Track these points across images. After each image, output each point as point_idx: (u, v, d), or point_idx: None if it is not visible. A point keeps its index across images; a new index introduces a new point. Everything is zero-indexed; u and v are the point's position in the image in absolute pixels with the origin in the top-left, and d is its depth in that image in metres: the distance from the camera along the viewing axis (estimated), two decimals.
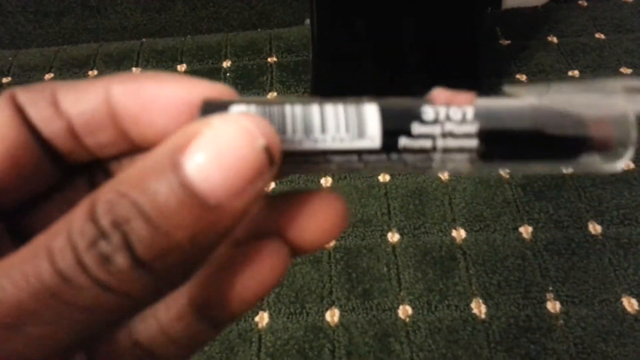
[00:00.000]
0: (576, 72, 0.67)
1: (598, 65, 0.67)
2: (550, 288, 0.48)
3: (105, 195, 0.11)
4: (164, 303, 0.14)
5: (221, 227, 0.11)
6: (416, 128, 0.13)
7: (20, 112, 0.13)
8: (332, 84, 0.65)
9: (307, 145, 0.12)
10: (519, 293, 0.48)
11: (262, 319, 0.48)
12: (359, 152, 0.13)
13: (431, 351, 0.45)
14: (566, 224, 0.52)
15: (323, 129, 0.13)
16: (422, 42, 0.62)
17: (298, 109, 0.13)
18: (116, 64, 0.74)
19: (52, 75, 0.73)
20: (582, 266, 0.49)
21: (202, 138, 0.11)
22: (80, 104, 0.13)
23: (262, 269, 0.14)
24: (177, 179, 0.10)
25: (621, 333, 0.45)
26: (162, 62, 0.74)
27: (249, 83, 0.70)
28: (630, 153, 0.14)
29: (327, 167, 0.13)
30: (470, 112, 0.13)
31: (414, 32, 0.61)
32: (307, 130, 0.12)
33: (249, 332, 0.48)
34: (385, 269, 0.51)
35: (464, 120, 0.13)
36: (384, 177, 0.57)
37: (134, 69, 0.73)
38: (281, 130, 0.12)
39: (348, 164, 0.13)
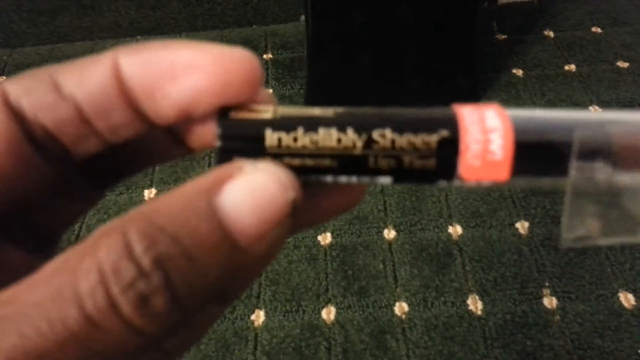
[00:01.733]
0: (572, 67, 0.67)
1: (595, 59, 0.67)
2: (547, 284, 0.48)
3: (140, 227, 0.10)
4: None
5: (242, 269, 0.11)
6: (426, 185, 0.14)
7: (8, 106, 0.12)
8: (327, 80, 0.65)
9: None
10: (515, 289, 0.48)
11: (258, 317, 0.48)
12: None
13: (427, 348, 0.45)
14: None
15: (335, 184, 0.14)
16: (418, 38, 0.62)
17: (310, 177, 0.13)
18: None
19: None
20: (579, 261, 0.49)
21: (237, 181, 0.11)
22: (85, 84, 0.12)
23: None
24: (216, 217, 0.10)
25: (617, 328, 0.45)
26: None
27: None
28: None
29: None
30: (485, 184, 0.13)
31: (410, 27, 0.61)
32: (319, 183, 0.13)
33: (245, 330, 0.47)
34: (381, 265, 0.51)
35: (477, 186, 0.13)
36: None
37: None
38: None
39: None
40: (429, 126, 0.13)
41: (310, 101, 0.65)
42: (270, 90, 0.68)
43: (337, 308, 0.48)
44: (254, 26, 0.77)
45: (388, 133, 0.13)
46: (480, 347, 0.45)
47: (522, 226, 0.52)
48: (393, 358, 0.45)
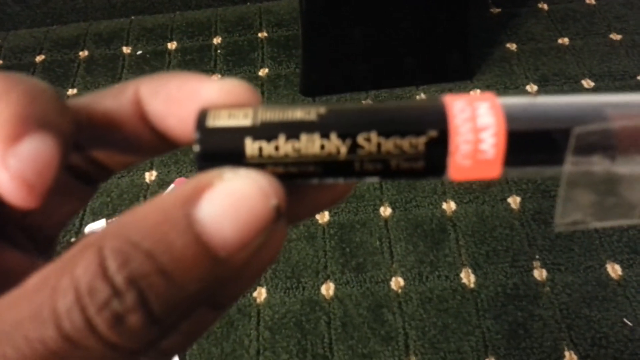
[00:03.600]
0: (566, 40, 0.67)
1: (588, 32, 0.67)
2: (537, 256, 0.50)
3: (114, 244, 0.10)
4: None
5: (223, 278, 0.11)
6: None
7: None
8: (322, 57, 0.65)
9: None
10: (506, 262, 0.50)
11: (260, 294, 0.50)
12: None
13: (422, 320, 0.47)
14: (553, 193, 0.54)
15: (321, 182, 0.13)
16: (411, 13, 0.62)
17: (297, 181, 0.13)
18: (106, 43, 0.74)
19: (43, 57, 0.73)
20: (568, 234, 0.51)
21: (216, 191, 0.11)
22: (111, 102, 0.13)
23: (264, 248, 0.13)
24: (193, 230, 0.10)
25: (605, 298, 0.47)
26: (152, 40, 0.74)
27: (240, 60, 0.70)
28: None
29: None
30: None
31: (403, 2, 0.61)
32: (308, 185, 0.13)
33: (248, 307, 0.50)
34: (377, 242, 0.52)
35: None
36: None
37: (124, 48, 0.73)
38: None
39: None
40: (417, 127, 0.12)
41: (306, 79, 0.66)
42: (267, 70, 0.69)
43: (336, 284, 0.50)
44: (248, 3, 0.77)
45: (374, 137, 0.12)
46: (473, 319, 0.47)
47: (514, 201, 0.54)
48: (390, 331, 0.47)
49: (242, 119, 0.12)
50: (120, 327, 0.09)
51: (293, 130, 0.12)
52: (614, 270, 0.48)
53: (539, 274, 0.49)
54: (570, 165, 0.12)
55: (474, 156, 0.12)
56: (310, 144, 0.12)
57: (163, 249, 0.10)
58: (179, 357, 0.47)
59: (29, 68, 0.72)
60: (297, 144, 0.12)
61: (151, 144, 0.14)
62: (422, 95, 0.64)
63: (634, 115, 0.12)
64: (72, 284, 0.10)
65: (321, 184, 0.13)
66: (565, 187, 0.13)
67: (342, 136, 0.12)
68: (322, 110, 0.13)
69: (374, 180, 0.13)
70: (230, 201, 0.10)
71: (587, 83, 0.62)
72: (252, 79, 0.68)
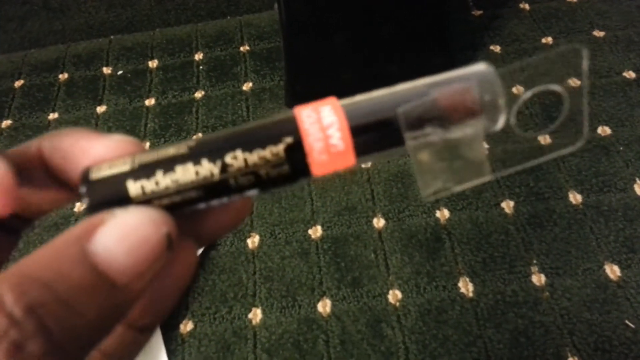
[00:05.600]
0: (549, 39, 0.67)
1: (571, 30, 0.67)
2: (535, 261, 0.49)
3: (11, 280, 0.10)
4: None
5: (124, 304, 0.12)
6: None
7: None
8: (305, 68, 0.64)
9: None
10: (504, 269, 0.49)
11: (256, 315, 0.49)
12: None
13: (422, 333, 0.46)
14: (547, 195, 0.53)
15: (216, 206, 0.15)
16: (392, 17, 0.61)
17: (186, 209, 0.14)
18: (86, 64, 0.73)
19: (22, 81, 0.72)
20: (565, 237, 0.50)
21: (108, 225, 0.12)
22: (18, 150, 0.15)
23: (176, 268, 0.15)
24: (88, 262, 0.11)
25: (605, 300, 0.46)
26: (133, 59, 0.73)
27: (222, 75, 0.69)
28: (502, 111, 0.15)
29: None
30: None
31: (382, 6, 0.61)
32: (202, 208, 0.15)
33: (244, 329, 0.48)
34: (372, 255, 0.51)
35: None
36: (366, 163, 0.57)
37: (104, 68, 0.72)
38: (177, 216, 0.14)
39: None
40: (274, 138, 0.14)
41: (291, 91, 0.65)
42: (251, 84, 0.68)
43: (332, 300, 0.49)
44: (228, 17, 0.76)
45: (239, 154, 0.14)
46: (474, 329, 0.46)
47: (507, 205, 0.53)
48: (390, 346, 0.46)
49: (121, 166, 0.14)
50: (21, 355, 0.10)
51: (168, 164, 0.14)
52: (613, 271, 0.48)
53: (538, 279, 0.48)
54: (410, 141, 0.14)
55: (327, 150, 0.14)
56: (186, 173, 0.14)
57: (60, 279, 0.11)
58: None
59: (8, 94, 0.71)
60: (174, 176, 0.14)
61: (58, 195, 0.15)
62: None
63: (449, 87, 0.15)
64: None
65: (211, 206, 0.14)
66: (415, 162, 0.15)
67: (212, 160, 0.14)
68: (192, 142, 0.14)
69: (254, 193, 0.14)
70: (123, 232, 0.12)
71: (572, 82, 0.62)
72: (236, 93, 0.67)
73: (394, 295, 0.49)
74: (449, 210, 0.53)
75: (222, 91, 0.67)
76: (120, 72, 0.71)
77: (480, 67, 0.15)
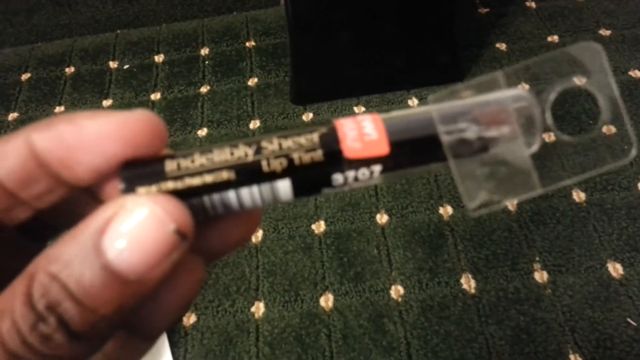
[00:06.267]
0: (555, 37, 0.67)
1: (577, 29, 0.67)
2: (537, 258, 0.49)
3: (39, 277, 0.12)
4: None
5: (142, 294, 0.12)
6: (326, 191, 0.15)
7: None
8: (311, 64, 0.64)
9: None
10: (506, 265, 0.49)
11: (258, 309, 0.49)
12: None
13: (424, 329, 0.47)
14: (550, 193, 0.53)
15: (241, 207, 0.14)
16: (399, 14, 0.61)
17: (215, 199, 0.14)
18: (92, 58, 0.73)
19: (28, 75, 0.72)
20: (568, 234, 0.50)
21: (118, 222, 0.12)
22: (4, 162, 0.14)
23: (181, 284, 0.15)
24: (100, 262, 0.12)
25: (607, 298, 0.46)
26: (139, 53, 0.73)
27: (228, 70, 0.69)
28: (540, 136, 0.15)
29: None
30: (377, 171, 0.14)
31: (389, 3, 0.61)
32: (227, 210, 0.14)
33: (246, 323, 0.49)
34: (375, 250, 0.52)
35: (371, 178, 0.14)
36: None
37: (110, 62, 0.72)
38: (203, 219, 0.14)
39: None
40: (309, 129, 0.14)
41: (296, 87, 0.65)
42: (256, 79, 0.68)
43: (335, 295, 0.49)
44: (234, 12, 0.76)
45: (275, 139, 0.14)
46: (475, 325, 0.46)
47: (510, 203, 0.53)
48: (392, 341, 0.46)
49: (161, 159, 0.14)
50: (50, 343, 0.12)
51: (207, 148, 0.14)
52: (615, 269, 0.48)
53: (540, 276, 0.48)
54: (444, 136, 0.14)
55: (361, 139, 0.14)
56: (222, 153, 0.14)
57: (75, 279, 0.12)
58: None
59: (15, 87, 0.71)
60: (210, 155, 0.14)
61: (58, 194, 0.14)
62: (414, 99, 0.63)
63: (486, 108, 0.15)
64: (10, 311, 0.12)
65: (238, 202, 0.14)
66: (455, 165, 0.15)
67: (248, 143, 0.14)
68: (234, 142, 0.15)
69: (285, 184, 0.14)
70: (131, 230, 0.12)
71: (578, 80, 0.62)
72: (242, 89, 0.67)
73: (396, 291, 0.49)
74: (452, 206, 0.53)
75: (228, 86, 0.67)
76: (126, 67, 0.72)
77: (517, 92, 0.15)
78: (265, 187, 0.14)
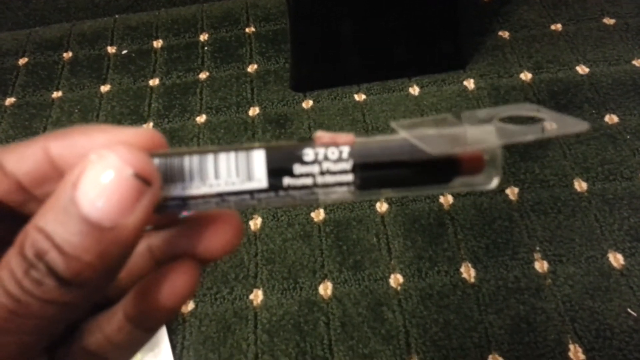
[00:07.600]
0: (559, 26, 0.66)
1: (581, 17, 0.66)
2: (538, 248, 0.49)
3: (29, 231, 0.13)
4: (106, 318, 0.17)
5: (123, 242, 0.13)
6: (297, 168, 0.15)
7: None
8: (312, 51, 0.64)
9: (204, 190, 0.15)
10: (507, 255, 0.49)
11: (257, 296, 0.49)
12: (250, 192, 0.15)
13: (423, 317, 0.46)
14: (552, 182, 0.53)
15: (217, 175, 0.15)
16: (401, 1, 0.61)
17: (195, 159, 0.15)
18: (90, 43, 0.72)
19: (26, 59, 0.71)
20: (569, 224, 0.50)
21: (86, 174, 0.13)
22: (23, 163, 0.16)
23: (177, 284, 0.16)
24: (76, 213, 0.13)
25: (607, 289, 0.46)
26: (138, 38, 0.72)
27: (227, 56, 0.68)
28: (499, 174, 0.16)
29: (226, 206, 0.15)
30: (345, 151, 0.15)
31: None
32: (203, 177, 0.15)
33: (245, 310, 0.48)
34: (375, 239, 0.51)
35: (340, 159, 0.15)
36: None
37: (108, 47, 0.71)
38: (180, 178, 0.15)
39: (243, 202, 0.15)
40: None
41: (296, 74, 0.64)
42: (256, 66, 0.67)
43: (334, 283, 0.49)
44: None
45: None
46: (475, 314, 0.46)
47: (512, 192, 0.53)
48: (390, 329, 0.46)
49: None
50: (43, 287, 0.13)
51: (196, 149, 0.16)
52: (616, 259, 0.47)
53: (540, 266, 0.48)
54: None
55: (332, 139, 0.15)
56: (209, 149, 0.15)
57: (58, 230, 0.13)
58: None
59: (12, 71, 0.70)
60: (197, 148, 0.15)
61: None
62: (415, 87, 0.63)
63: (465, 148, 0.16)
64: (7, 261, 0.13)
65: (205, 180, 0.15)
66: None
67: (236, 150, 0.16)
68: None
69: (260, 154, 0.15)
70: (96, 180, 0.13)
71: (581, 69, 0.61)
72: (241, 75, 0.66)
73: (396, 279, 0.49)
74: (452, 195, 0.53)
75: (227, 72, 0.67)
76: (124, 52, 0.71)
77: (487, 135, 0.16)
78: (241, 155, 0.15)
